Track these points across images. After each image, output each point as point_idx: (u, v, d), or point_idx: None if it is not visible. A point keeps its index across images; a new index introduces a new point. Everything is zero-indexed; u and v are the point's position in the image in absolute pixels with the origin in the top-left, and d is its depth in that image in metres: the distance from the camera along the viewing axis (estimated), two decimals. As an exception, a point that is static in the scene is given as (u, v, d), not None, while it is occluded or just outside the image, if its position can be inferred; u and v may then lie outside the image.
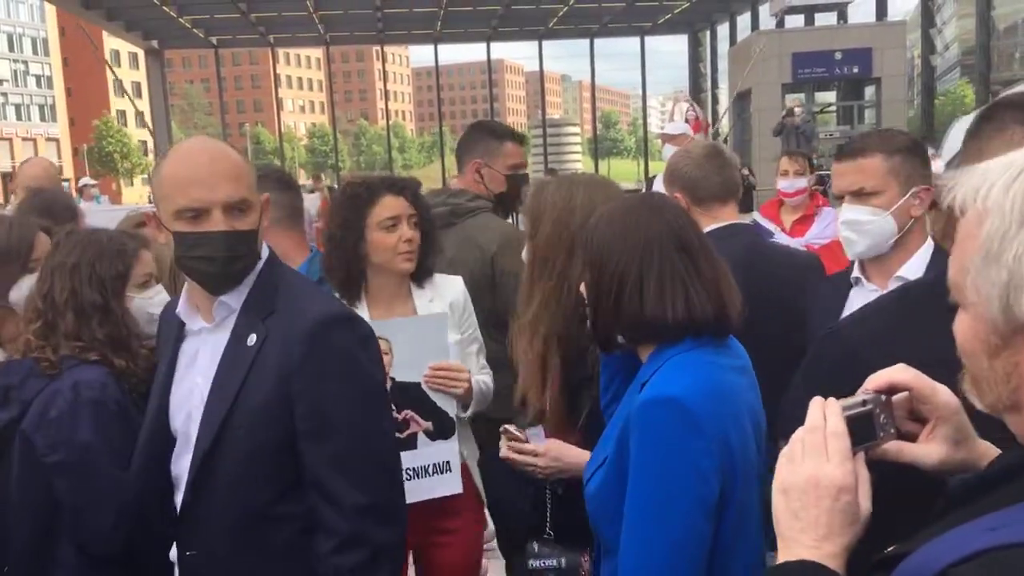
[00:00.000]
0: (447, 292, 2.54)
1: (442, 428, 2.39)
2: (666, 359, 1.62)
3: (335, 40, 27.65)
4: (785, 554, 1.01)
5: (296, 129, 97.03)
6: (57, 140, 75.99)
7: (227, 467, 1.69)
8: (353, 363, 1.72)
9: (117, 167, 67.14)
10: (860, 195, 2.16)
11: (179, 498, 1.77)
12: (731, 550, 1.56)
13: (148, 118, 22.98)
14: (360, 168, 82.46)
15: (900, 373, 1.13)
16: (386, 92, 40.47)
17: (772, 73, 17.75)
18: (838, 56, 17.60)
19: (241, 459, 1.68)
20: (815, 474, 1.01)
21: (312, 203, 6.70)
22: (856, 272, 2.27)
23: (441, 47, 28.19)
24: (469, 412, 2.46)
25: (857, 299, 2.21)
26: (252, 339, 1.70)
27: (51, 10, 23.46)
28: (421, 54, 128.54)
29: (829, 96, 19.83)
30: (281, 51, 35.11)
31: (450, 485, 2.39)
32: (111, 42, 67.29)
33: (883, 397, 1.11)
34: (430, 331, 2.39)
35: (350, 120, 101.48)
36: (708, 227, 2.59)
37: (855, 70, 17.87)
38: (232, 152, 1.75)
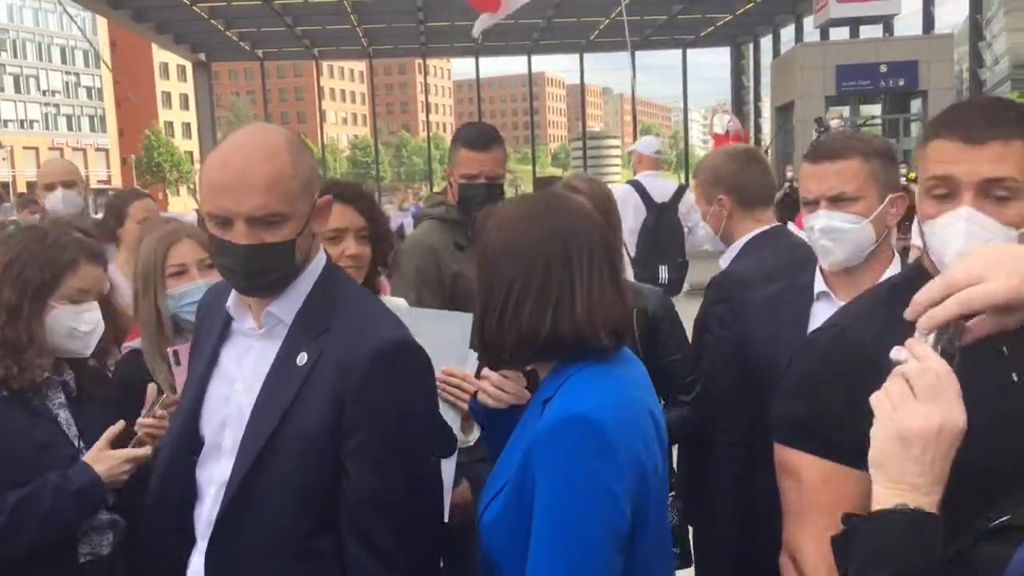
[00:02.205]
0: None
1: (442, 443, 2.12)
2: (568, 375, 1.50)
3: (378, 53, 27.96)
4: (894, 498, 1.02)
5: (339, 140, 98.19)
6: (107, 150, 77.83)
7: (267, 491, 1.58)
8: (412, 397, 1.62)
9: (165, 177, 68.46)
10: (838, 201, 2.02)
11: (202, 509, 1.69)
12: (641, 546, 1.45)
13: (194, 129, 23.37)
14: (400, 179, 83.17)
15: (1002, 290, 1.09)
16: (427, 104, 40.94)
17: (815, 85, 17.55)
18: (883, 69, 17.33)
19: (283, 484, 1.58)
20: (942, 418, 1.03)
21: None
22: (821, 286, 2.12)
23: (482, 60, 28.37)
24: (472, 439, 2.21)
25: (821, 315, 2.05)
26: (303, 358, 1.60)
27: (103, 23, 24.13)
28: (462, 67, 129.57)
29: (874, 109, 19.55)
30: (325, 64, 35.60)
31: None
32: (160, 55, 68.77)
33: (962, 323, 1.10)
34: (454, 331, 2.11)
35: (392, 132, 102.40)
36: (754, 231, 2.56)
37: (901, 83, 17.58)
38: (278, 155, 1.59)
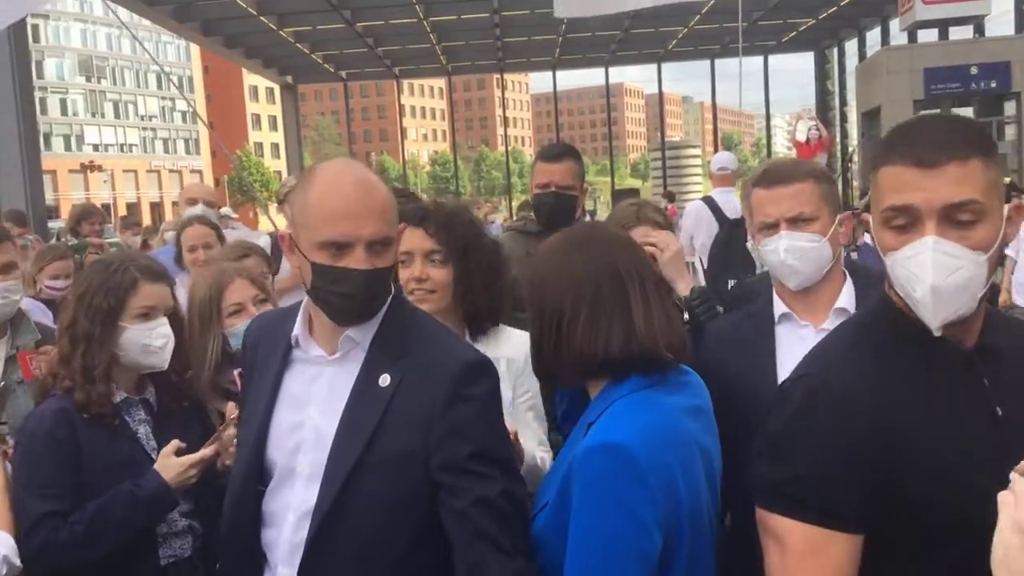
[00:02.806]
0: (505, 346, 2.25)
1: None
2: (612, 401, 1.55)
3: (457, 70, 28.41)
4: None
5: (419, 156, 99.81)
6: (201, 172, 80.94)
7: (359, 511, 1.60)
8: (492, 412, 1.66)
9: (256, 196, 70.94)
10: (798, 221, 2.06)
11: (280, 535, 1.68)
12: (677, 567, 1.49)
13: (282, 149, 24.16)
14: (480, 193, 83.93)
15: None
16: (505, 119, 41.28)
17: (903, 89, 17.06)
18: (974, 71, 16.72)
19: (374, 503, 1.60)
20: None
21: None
22: (783, 308, 2.14)
23: (560, 73, 28.52)
24: None
25: (787, 337, 2.09)
26: (385, 380, 1.63)
27: (196, 50, 25.32)
28: (540, 80, 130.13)
29: (966, 112, 18.88)
30: (405, 82, 36.32)
31: None
32: (250, 79, 71.23)
33: None
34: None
35: (471, 147, 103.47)
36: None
37: (992, 85, 16.92)
38: (380, 184, 1.67)
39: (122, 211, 61.98)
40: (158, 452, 2.25)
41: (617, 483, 1.44)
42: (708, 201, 6.02)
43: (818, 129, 11.52)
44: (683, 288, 2.34)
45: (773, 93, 28.66)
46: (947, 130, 1.32)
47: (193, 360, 2.52)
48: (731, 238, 5.50)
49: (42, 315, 3.59)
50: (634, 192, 16.65)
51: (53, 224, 16.90)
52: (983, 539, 1.26)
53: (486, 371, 1.67)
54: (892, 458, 1.31)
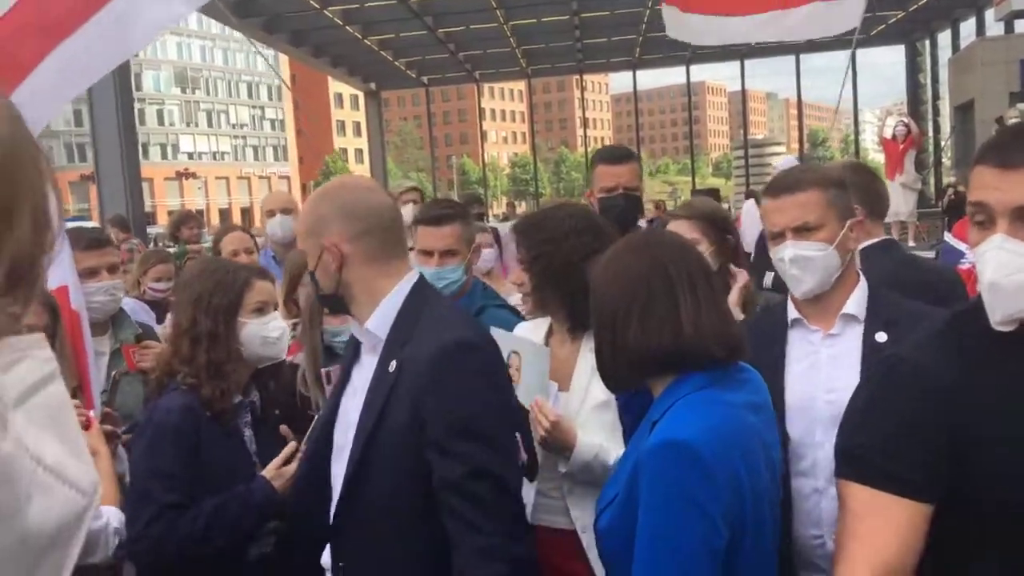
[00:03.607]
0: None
1: (530, 468, 2.17)
2: (676, 398, 1.61)
3: (536, 73, 28.56)
4: None
5: (500, 159, 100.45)
6: (288, 177, 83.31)
7: (375, 479, 1.80)
8: (471, 389, 1.76)
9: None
10: (803, 231, 2.07)
11: (335, 506, 1.90)
12: (744, 559, 1.53)
13: (366, 154, 24.72)
14: (559, 195, 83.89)
15: None
16: (584, 120, 41.30)
17: (998, 82, 16.38)
18: (1074, 60, 15.97)
19: (388, 472, 1.79)
20: None
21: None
22: (794, 313, 2.15)
23: (640, 72, 28.37)
24: (564, 469, 2.21)
25: (798, 341, 2.11)
26: (393, 365, 1.83)
27: (284, 60, 26.28)
28: (620, 80, 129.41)
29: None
30: (486, 86, 36.67)
31: None
32: (335, 86, 73.01)
33: None
34: (533, 360, 2.24)
35: (550, 148, 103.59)
36: (867, 242, 2.58)
37: (1092, 75, 16.12)
38: (307, 203, 2.01)
39: (215, 217, 64.37)
40: (259, 455, 2.39)
41: (685, 479, 1.48)
42: (757, 199, 6.28)
43: (906, 125, 11.21)
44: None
45: (863, 88, 27.90)
46: None
47: (304, 353, 2.71)
48: None
49: (145, 315, 3.83)
50: (713, 192, 16.41)
51: (151, 230, 17.72)
52: None
53: (466, 350, 1.80)
54: (958, 438, 1.36)
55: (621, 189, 3.18)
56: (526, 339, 2.32)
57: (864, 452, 1.43)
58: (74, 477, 0.63)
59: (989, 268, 1.33)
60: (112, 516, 2.17)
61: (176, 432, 2.22)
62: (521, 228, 2.39)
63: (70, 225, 3.19)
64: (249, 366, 2.42)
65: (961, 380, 1.38)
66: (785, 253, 2.08)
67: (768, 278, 5.43)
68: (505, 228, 6.63)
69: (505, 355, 2.21)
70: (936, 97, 26.24)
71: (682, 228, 2.72)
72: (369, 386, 1.87)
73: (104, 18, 3.24)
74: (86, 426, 2.31)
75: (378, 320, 1.89)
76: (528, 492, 2.14)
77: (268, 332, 2.39)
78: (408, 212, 4.13)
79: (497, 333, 2.30)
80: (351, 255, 1.87)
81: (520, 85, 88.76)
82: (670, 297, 1.63)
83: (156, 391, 2.39)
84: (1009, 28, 18.91)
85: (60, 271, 3.02)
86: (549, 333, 2.42)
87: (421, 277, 1.96)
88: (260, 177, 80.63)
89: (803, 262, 2.07)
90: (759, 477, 1.58)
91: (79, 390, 2.89)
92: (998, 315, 1.35)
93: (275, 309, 2.47)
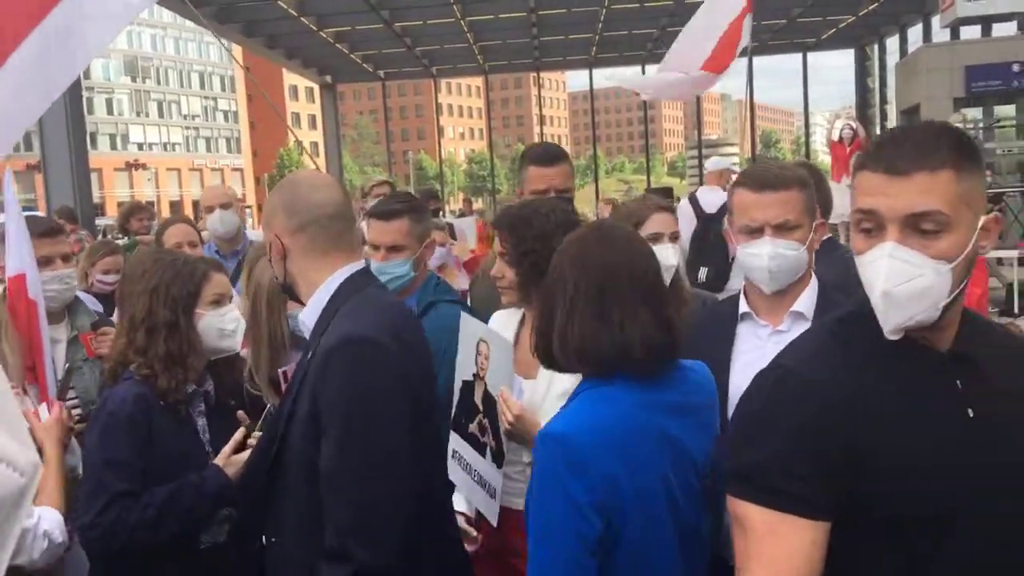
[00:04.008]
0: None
1: (497, 454, 2.25)
2: (582, 391, 1.71)
3: (493, 69, 28.54)
4: None
5: (456, 155, 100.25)
6: (241, 170, 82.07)
7: (292, 463, 1.86)
8: (352, 382, 1.78)
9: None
10: (782, 228, 2.09)
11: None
12: (629, 557, 1.63)
13: (322, 147, 24.49)
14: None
15: None
16: (542, 117, 41.28)
17: (943, 87, 16.83)
18: (1016, 68, 16.44)
19: (298, 460, 1.84)
20: None
21: (468, 226, 7.03)
22: (745, 307, 2.21)
23: (596, 71, 28.53)
24: (528, 458, 2.21)
25: (746, 335, 2.15)
26: (309, 355, 1.91)
27: (238, 50, 25.77)
28: (578, 79, 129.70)
29: (1009, 110, 18.56)
30: (443, 81, 36.55)
31: (491, 511, 2.28)
32: (290, 78, 72.17)
33: None
34: (498, 352, 2.24)
35: (507, 145, 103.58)
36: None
37: (1036, 83, 16.64)
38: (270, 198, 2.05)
39: (165, 209, 63.17)
40: (212, 444, 2.39)
41: (556, 469, 1.60)
42: (691, 199, 6.66)
43: (852, 129, 11.45)
44: None
45: (814, 91, 28.40)
46: (923, 140, 1.32)
47: (257, 346, 2.68)
48: (705, 231, 6.05)
49: (93, 307, 3.79)
50: (667, 191, 16.60)
51: (100, 221, 17.34)
52: (941, 537, 1.32)
53: (356, 343, 1.81)
54: (853, 451, 1.32)
55: (552, 192, 3.05)
56: (494, 331, 2.35)
57: (759, 471, 1.35)
58: (11, 456, 0.64)
59: (881, 277, 1.31)
60: (46, 518, 2.14)
61: (129, 421, 2.23)
62: (507, 224, 2.40)
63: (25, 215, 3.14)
64: (204, 357, 2.43)
65: (855, 391, 1.34)
66: (764, 249, 2.09)
67: (702, 273, 5.62)
68: (462, 224, 6.68)
69: (474, 342, 2.29)
70: (884, 101, 26.85)
71: (668, 221, 2.76)
72: (294, 373, 1.97)
73: (50, 25, 3.12)
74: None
75: (309, 311, 1.98)
76: (496, 477, 2.24)
77: (224, 324, 2.42)
78: None
79: (467, 320, 2.36)
80: (291, 248, 1.96)
81: (478, 81, 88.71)
82: (601, 299, 1.69)
83: (110, 380, 2.39)
84: (955, 35, 19.43)
85: (17, 258, 2.98)
86: (521, 323, 2.45)
87: (360, 271, 2.00)
88: (213, 169, 79.35)
89: (780, 259, 2.08)
90: (646, 474, 1.64)
91: (35, 378, 2.86)
92: (890, 324, 1.33)
93: (230, 302, 2.49)
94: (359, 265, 2.01)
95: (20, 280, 2.98)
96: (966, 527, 1.33)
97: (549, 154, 3.19)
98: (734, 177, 2.47)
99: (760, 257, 2.10)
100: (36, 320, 2.95)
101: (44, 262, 3.11)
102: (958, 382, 1.38)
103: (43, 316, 2.98)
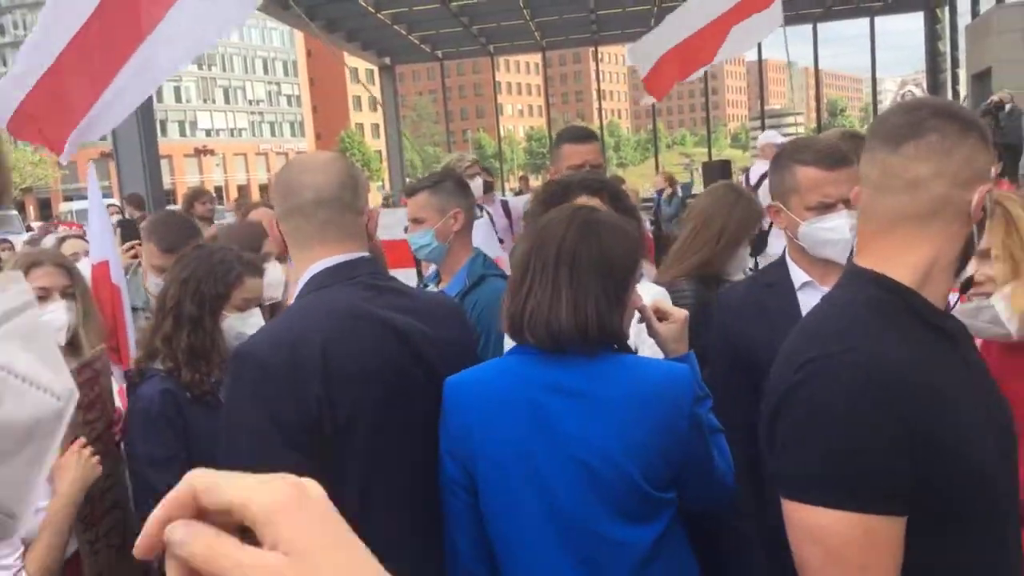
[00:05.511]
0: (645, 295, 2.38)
1: None
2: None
3: (551, 45, 28.38)
4: None
5: (515, 132, 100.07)
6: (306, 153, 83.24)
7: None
8: (227, 398, 1.79)
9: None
10: (850, 203, 2.15)
11: None
12: (492, 520, 1.76)
13: (382, 129, 24.73)
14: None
15: None
16: (600, 92, 40.91)
17: (1015, 50, 16.17)
18: (1093, 26, 15.72)
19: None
20: None
21: (524, 204, 7.09)
22: (805, 277, 2.30)
23: (655, 44, 28.10)
24: None
25: (811, 304, 2.03)
26: None
27: (299, 35, 26.03)
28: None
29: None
30: (501, 59, 36.45)
31: None
32: (350, 61, 73.07)
33: None
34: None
35: (567, 121, 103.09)
36: None
37: (1116, 40, 15.87)
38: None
39: (233, 193, 64.66)
40: None
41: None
42: (745, 173, 6.98)
43: (914, 95, 11.13)
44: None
45: (882, 56, 27.54)
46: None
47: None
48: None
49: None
50: (725, 164, 16.37)
51: (171, 207, 17.87)
52: (992, 508, 1.32)
53: (238, 359, 1.79)
54: (919, 436, 1.25)
55: (587, 167, 3.31)
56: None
57: (836, 471, 1.24)
58: (48, 383, 0.69)
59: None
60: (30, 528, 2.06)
61: (163, 416, 2.24)
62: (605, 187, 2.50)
63: (106, 203, 3.42)
64: (225, 355, 2.38)
65: (925, 366, 1.30)
66: (845, 223, 2.17)
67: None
68: (517, 202, 6.74)
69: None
70: (955, 65, 25.89)
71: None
72: None
73: (175, 16, 3.43)
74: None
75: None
76: None
77: (245, 328, 2.38)
78: (477, 186, 4.49)
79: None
80: (285, 233, 1.88)
81: (536, 58, 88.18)
82: (520, 278, 1.79)
83: (137, 376, 2.38)
84: (1029, -6, 18.62)
85: (102, 247, 3.26)
86: None
87: (340, 264, 1.83)
88: (278, 153, 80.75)
89: (854, 231, 2.14)
90: (499, 436, 1.73)
91: (119, 359, 3.10)
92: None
93: (256, 306, 2.49)
94: (345, 257, 1.83)
95: (103, 267, 3.23)
96: (1002, 493, 1.36)
97: (583, 133, 3.59)
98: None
99: (841, 230, 2.19)
100: (120, 303, 3.24)
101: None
102: (960, 352, 1.43)
103: (126, 301, 3.26)
